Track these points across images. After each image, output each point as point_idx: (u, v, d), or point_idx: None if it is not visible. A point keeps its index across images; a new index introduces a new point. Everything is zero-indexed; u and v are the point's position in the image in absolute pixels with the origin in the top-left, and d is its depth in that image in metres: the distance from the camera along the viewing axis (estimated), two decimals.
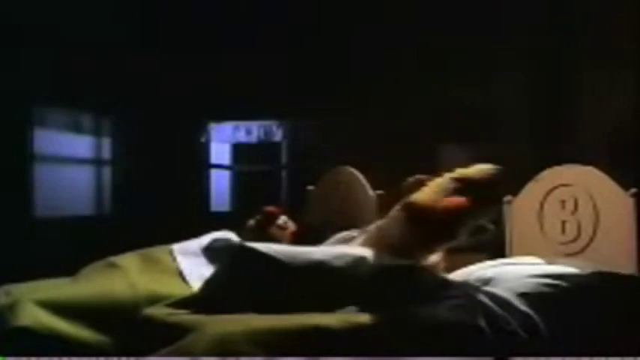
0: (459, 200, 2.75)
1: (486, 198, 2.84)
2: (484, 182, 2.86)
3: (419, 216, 2.77)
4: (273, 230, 3.74)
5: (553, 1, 4.32)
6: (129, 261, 3.31)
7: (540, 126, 4.32)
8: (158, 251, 3.47)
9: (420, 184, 2.95)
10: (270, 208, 3.81)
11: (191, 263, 3.39)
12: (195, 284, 3.16)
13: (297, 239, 3.74)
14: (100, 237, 3.52)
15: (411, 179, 3.00)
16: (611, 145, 3.93)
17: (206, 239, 3.70)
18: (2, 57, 4.73)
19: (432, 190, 2.86)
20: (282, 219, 3.80)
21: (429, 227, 2.75)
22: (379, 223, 3.02)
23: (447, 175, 2.91)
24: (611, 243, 3.12)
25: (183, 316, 2.45)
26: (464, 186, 2.82)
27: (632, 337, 2.67)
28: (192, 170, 5.59)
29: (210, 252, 3.55)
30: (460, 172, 2.92)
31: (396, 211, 2.90)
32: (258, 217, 3.78)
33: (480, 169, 2.94)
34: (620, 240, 3.08)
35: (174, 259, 3.40)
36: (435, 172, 2.95)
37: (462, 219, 2.74)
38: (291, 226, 3.81)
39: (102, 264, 3.32)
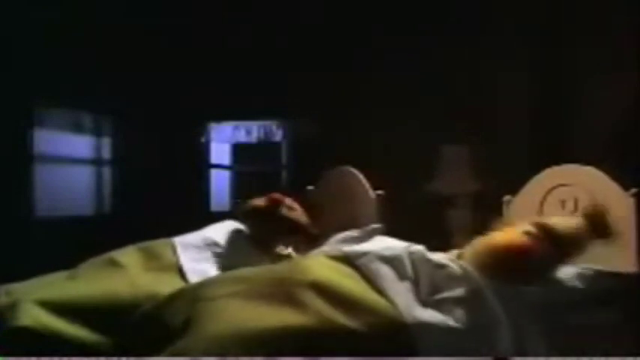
0: (521, 241, 2.66)
1: (566, 251, 2.75)
2: (569, 234, 2.76)
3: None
4: (284, 212, 3.72)
5: (553, 1, 4.32)
6: (129, 257, 3.29)
7: (540, 126, 4.32)
8: (159, 245, 3.46)
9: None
10: (276, 196, 3.79)
11: (192, 259, 3.37)
12: (195, 281, 3.15)
13: (312, 213, 3.76)
14: (100, 237, 3.51)
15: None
16: (611, 145, 3.93)
17: (208, 231, 3.68)
18: (3, 57, 4.73)
19: (510, 231, 2.80)
20: (288, 201, 3.78)
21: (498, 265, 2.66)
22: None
23: (531, 221, 2.83)
24: (611, 243, 3.12)
25: (177, 313, 2.45)
26: (542, 233, 2.72)
27: (632, 337, 2.67)
28: (192, 170, 5.59)
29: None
30: (544, 219, 2.85)
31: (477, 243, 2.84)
32: (261, 203, 3.74)
33: (566, 224, 2.84)
34: (621, 240, 3.08)
35: (176, 254, 3.39)
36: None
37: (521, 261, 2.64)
38: (298, 210, 3.80)
39: (102, 260, 3.30)
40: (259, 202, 3.73)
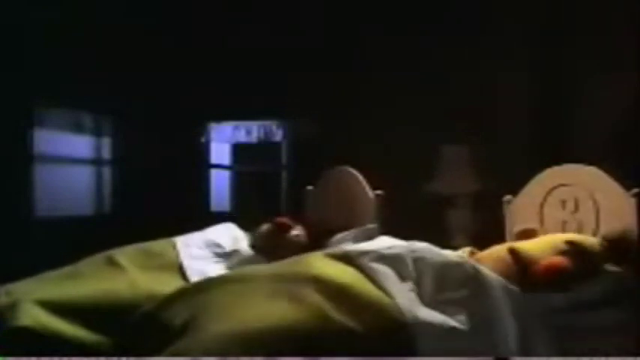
0: (560, 261, 2.75)
1: (591, 268, 2.83)
2: (595, 253, 2.87)
3: (520, 263, 2.80)
4: (286, 240, 3.73)
5: (553, 1, 4.32)
6: (129, 257, 3.29)
7: (540, 126, 4.32)
8: (161, 245, 3.46)
9: (532, 234, 2.99)
10: (282, 220, 3.82)
11: (192, 258, 3.38)
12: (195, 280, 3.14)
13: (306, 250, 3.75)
14: (100, 237, 3.51)
15: (522, 228, 3.03)
16: (612, 145, 3.93)
17: (210, 233, 3.68)
18: (3, 57, 4.72)
19: (542, 245, 2.91)
20: (297, 229, 3.79)
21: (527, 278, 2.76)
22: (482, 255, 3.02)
23: (561, 237, 2.96)
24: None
25: (179, 314, 2.44)
26: (575, 251, 2.83)
27: (633, 337, 2.67)
28: (192, 170, 5.59)
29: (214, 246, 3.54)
30: (575, 237, 2.97)
31: (501, 250, 2.93)
32: (269, 225, 3.78)
33: (593, 241, 2.96)
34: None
35: (177, 254, 3.39)
36: None
37: (558, 280, 2.73)
38: (303, 237, 3.79)
39: (102, 260, 3.30)
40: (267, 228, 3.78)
